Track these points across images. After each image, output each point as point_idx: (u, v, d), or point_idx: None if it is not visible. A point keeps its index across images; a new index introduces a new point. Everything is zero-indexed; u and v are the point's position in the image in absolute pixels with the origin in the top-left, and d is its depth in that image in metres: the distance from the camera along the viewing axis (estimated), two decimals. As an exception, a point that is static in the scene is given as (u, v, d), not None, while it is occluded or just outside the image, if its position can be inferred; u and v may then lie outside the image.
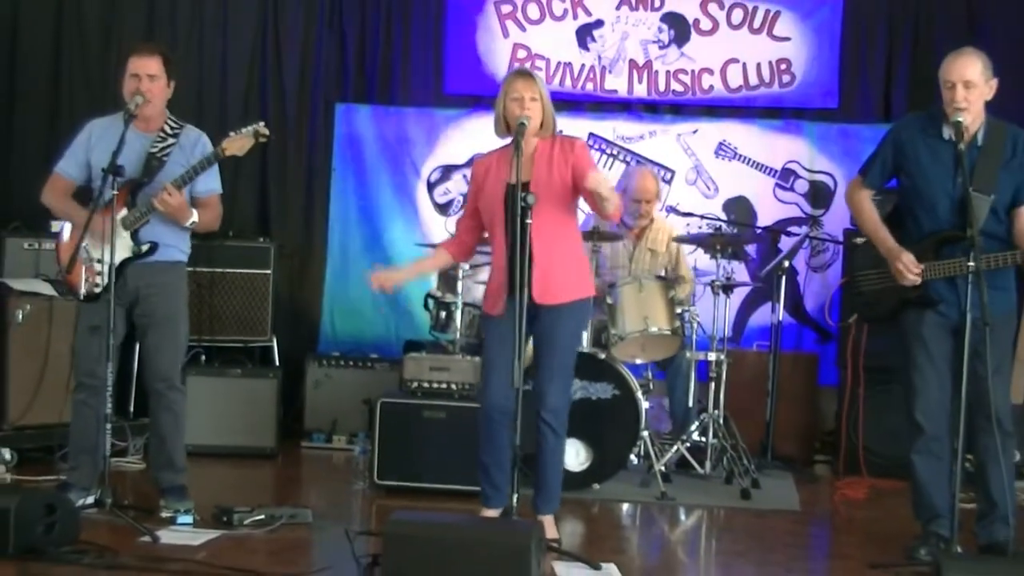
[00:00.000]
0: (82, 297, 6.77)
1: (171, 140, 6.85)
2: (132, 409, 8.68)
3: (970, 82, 6.21)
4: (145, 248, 6.71)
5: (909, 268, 6.35)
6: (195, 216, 6.76)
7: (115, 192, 6.46)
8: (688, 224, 9.35)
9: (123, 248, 6.66)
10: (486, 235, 6.64)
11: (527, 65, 10.13)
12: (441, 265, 6.95)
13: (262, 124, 6.77)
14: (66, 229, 6.90)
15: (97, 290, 6.71)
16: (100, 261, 6.65)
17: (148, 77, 6.75)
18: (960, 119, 6.16)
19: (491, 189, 6.44)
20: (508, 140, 6.45)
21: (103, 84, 10.07)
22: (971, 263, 5.93)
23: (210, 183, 6.93)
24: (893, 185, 6.73)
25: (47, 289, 8.19)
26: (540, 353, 6.48)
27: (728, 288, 8.55)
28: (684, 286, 8.70)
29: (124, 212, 6.66)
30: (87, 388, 6.73)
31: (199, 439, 8.19)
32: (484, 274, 7.50)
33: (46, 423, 7.92)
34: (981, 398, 6.13)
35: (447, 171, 10.40)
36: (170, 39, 10.09)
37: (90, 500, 6.56)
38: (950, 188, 6.30)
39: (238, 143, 6.71)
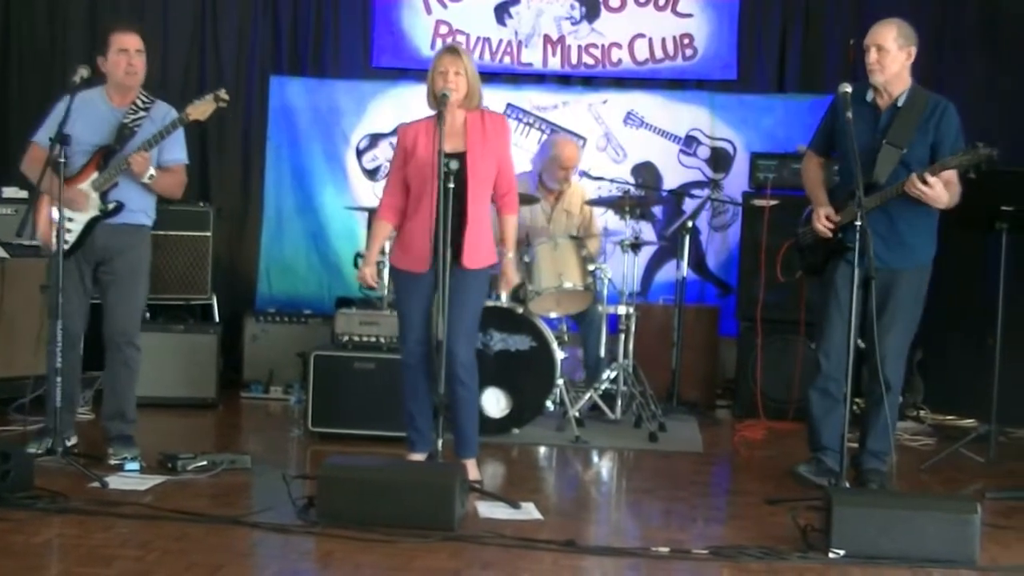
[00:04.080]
0: (53, 253, 6.75)
1: (142, 113, 6.85)
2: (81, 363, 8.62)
3: (882, 47, 6.44)
4: (112, 206, 6.72)
5: (819, 218, 6.53)
6: (152, 170, 6.73)
7: (62, 160, 6.42)
8: (599, 187, 9.36)
9: (92, 207, 6.68)
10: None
11: (449, 40, 10.11)
12: (387, 236, 6.92)
13: (222, 91, 6.77)
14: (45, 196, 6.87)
15: (66, 247, 6.67)
16: (71, 220, 6.64)
17: (135, 52, 6.81)
18: (848, 89, 6.30)
19: (422, 156, 6.40)
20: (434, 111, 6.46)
21: (50, 57, 9.98)
22: (858, 222, 6.02)
23: (176, 153, 6.95)
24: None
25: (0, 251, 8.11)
26: (451, 312, 6.44)
27: (636, 246, 8.59)
28: (593, 241, 8.73)
29: (95, 175, 6.68)
30: (53, 341, 6.67)
31: (144, 391, 8.05)
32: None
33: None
34: (874, 348, 6.26)
35: (374, 139, 10.35)
36: (112, 13, 9.99)
37: (66, 444, 6.61)
38: (868, 144, 6.42)
39: (201, 108, 6.72)
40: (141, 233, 6.94)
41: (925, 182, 6.19)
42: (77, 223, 6.69)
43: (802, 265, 7.05)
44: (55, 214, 6.63)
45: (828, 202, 6.63)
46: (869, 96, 6.59)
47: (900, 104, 6.51)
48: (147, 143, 6.67)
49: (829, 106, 6.83)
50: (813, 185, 6.83)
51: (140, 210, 6.88)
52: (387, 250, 8.06)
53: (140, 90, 6.91)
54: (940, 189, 6.23)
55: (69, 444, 6.73)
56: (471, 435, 6.61)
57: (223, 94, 6.75)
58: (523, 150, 9.77)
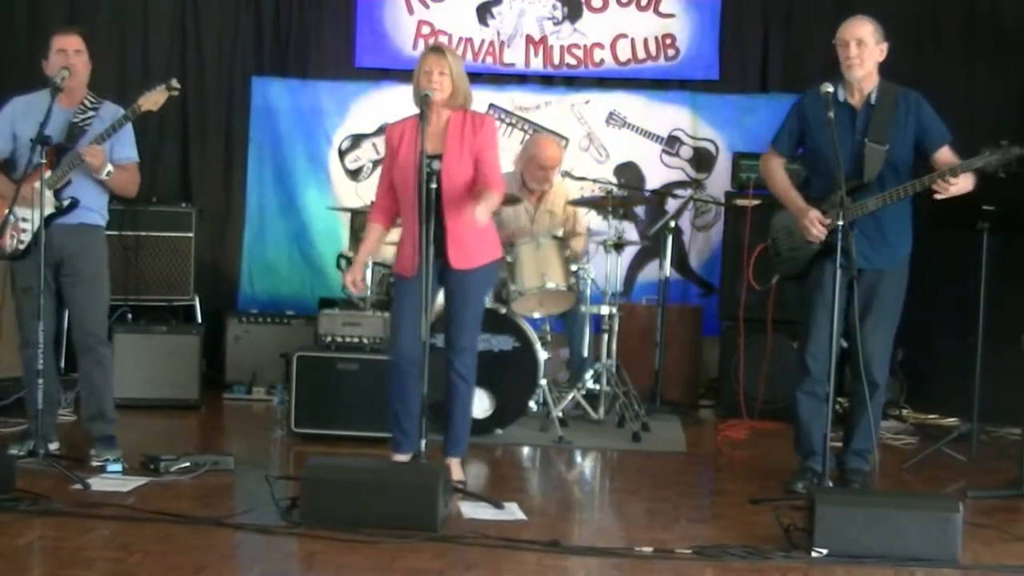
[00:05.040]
0: (7, 255, 6.75)
1: (91, 112, 6.83)
2: (63, 364, 8.59)
3: (861, 40, 6.42)
4: (67, 203, 6.69)
5: (814, 223, 6.44)
6: (110, 167, 6.69)
7: (43, 161, 6.42)
8: (582, 188, 9.37)
9: (47, 205, 6.62)
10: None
11: (431, 40, 10.11)
12: (380, 239, 6.89)
13: (174, 80, 6.72)
14: None
15: (21, 247, 6.70)
16: (25, 220, 6.65)
17: (74, 52, 6.75)
18: (830, 89, 6.27)
19: (405, 156, 6.38)
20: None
21: (31, 61, 9.89)
22: (840, 222, 6.00)
23: (127, 151, 6.91)
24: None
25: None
26: (452, 309, 6.47)
27: (619, 246, 8.58)
28: (578, 239, 8.75)
29: (48, 173, 6.62)
30: (33, 344, 6.66)
31: (127, 392, 8.12)
32: (393, 236, 7.49)
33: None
34: (859, 347, 6.26)
35: (357, 140, 10.35)
36: (93, 15, 9.99)
37: (48, 447, 6.61)
38: (848, 143, 6.37)
39: (152, 99, 6.65)
40: (97, 233, 6.93)
41: (947, 181, 6.18)
42: (32, 222, 6.64)
43: (782, 270, 7.00)
44: (15, 213, 6.66)
45: (807, 204, 6.58)
46: (841, 95, 6.53)
47: (873, 102, 6.51)
48: (99, 137, 6.63)
49: (794, 106, 6.80)
50: (786, 188, 6.74)
51: (95, 210, 6.87)
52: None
53: (87, 91, 6.90)
54: (964, 180, 6.23)
55: (52, 448, 6.72)
56: (462, 433, 6.61)
57: (175, 83, 6.69)
58: (506, 151, 9.73)
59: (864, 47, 6.41)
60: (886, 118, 6.46)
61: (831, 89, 6.30)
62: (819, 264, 6.57)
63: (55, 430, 7.04)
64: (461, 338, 6.48)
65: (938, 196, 6.26)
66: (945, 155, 6.44)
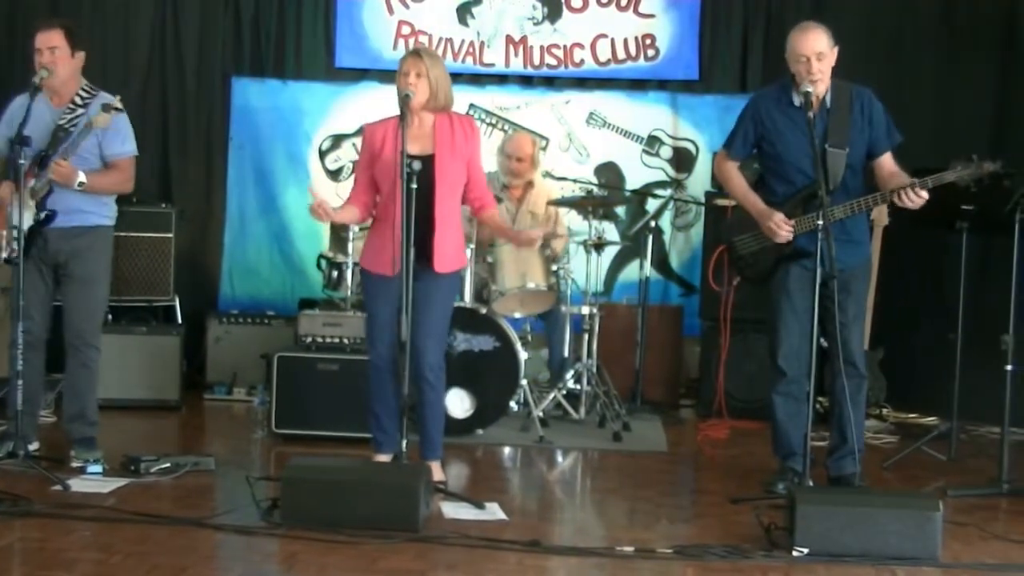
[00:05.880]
0: (3, 260, 6.72)
1: (80, 111, 6.70)
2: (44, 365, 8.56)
3: (821, 54, 6.31)
4: (43, 216, 6.61)
5: (780, 226, 6.42)
6: (81, 176, 6.57)
7: (24, 162, 6.37)
8: (562, 188, 9.37)
9: (29, 216, 6.56)
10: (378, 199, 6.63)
11: (411, 41, 10.11)
12: (351, 217, 6.83)
13: (117, 99, 6.66)
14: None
15: (14, 255, 6.61)
16: (16, 228, 6.57)
17: (50, 50, 6.63)
18: (810, 89, 6.24)
19: (388, 157, 6.38)
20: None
21: (9, 59, 9.91)
22: (820, 221, 5.98)
23: (116, 146, 6.76)
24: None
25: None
26: (420, 313, 6.38)
27: (600, 247, 8.58)
28: (559, 241, 8.76)
29: (32, 182, 6.56)
30: (17, 343, 6.62)
31: (107, 393, 8.04)
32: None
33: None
34: (840, 344, 6.25)
35: (337, 140, 10.34)
36: (73, 14, 9.90)
37: (29, 448, 6.56)
38: (809, 148, 6.32)
39: (101, 120, 6.54)
40: (96, 234, 6.82)
41: (918, 195, 6.17)
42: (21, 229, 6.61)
43: (745, 273, 6.96)
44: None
45: (769, 207, 6.57)
46: (797, 100, 6.44)
47: (828, 105, 6.45)
48: (64, 151, 6.53)
49: (746, 109, 6.73)
50: (746, 191, 6.69)
51: (90, 211, 6.76)
52: (352, 250, 8.11)
53: (82, 83, 6.80)
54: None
55: (32, 449, 6.68)
56: (436, 437, 6.60)
57: (116, 103, 6.61)
58: (486, 151, 9.72)
59: (824, 60, 6.32)
60: (843, 121, 6.41)
61: (810, 89, 6.27)
62: (784, 267, 6.56)
63: (36, 431, 7.02)
64: (429, 344, 6.42)
65: (898, 204, 6.28)
66: (888, 162, 6.48)
